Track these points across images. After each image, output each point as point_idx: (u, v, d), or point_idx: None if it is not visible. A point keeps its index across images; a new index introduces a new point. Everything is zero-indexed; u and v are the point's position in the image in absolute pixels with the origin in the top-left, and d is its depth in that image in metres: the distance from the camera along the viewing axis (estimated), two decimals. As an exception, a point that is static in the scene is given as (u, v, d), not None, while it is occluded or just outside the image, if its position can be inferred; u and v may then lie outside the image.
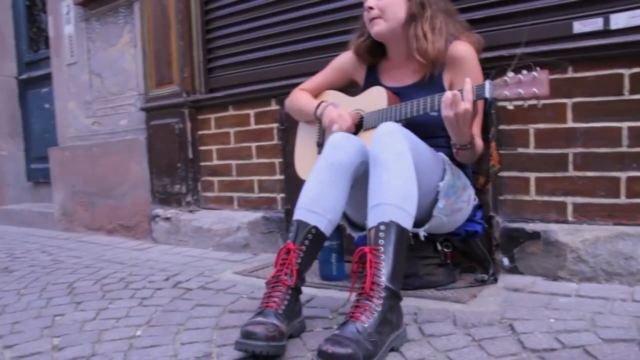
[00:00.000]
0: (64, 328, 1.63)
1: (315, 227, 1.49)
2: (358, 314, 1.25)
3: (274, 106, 2.63)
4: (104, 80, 3.52)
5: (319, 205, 1.50)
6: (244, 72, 2.80)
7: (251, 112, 2.73)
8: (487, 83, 1.48)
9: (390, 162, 1.43)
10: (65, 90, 3.84)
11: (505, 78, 1.44)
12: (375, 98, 1.82)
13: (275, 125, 2.63)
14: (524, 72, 1.42)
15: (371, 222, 1.39)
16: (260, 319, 1.31)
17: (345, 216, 1.83)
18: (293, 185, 2.44)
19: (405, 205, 1.40)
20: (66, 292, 2.05)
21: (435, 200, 1.65)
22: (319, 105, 1.94)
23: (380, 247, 1.33)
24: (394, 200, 1.39)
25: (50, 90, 4.12)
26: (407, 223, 1.39)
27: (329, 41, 2.43)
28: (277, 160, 2.64)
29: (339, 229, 1.94)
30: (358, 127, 1.85)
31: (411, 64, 1.81)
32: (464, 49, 1.74)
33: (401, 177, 1.42)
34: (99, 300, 1.92)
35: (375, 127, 1.59)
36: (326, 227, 1.51)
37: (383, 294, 1.28)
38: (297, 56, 2.57)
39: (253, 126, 2.74)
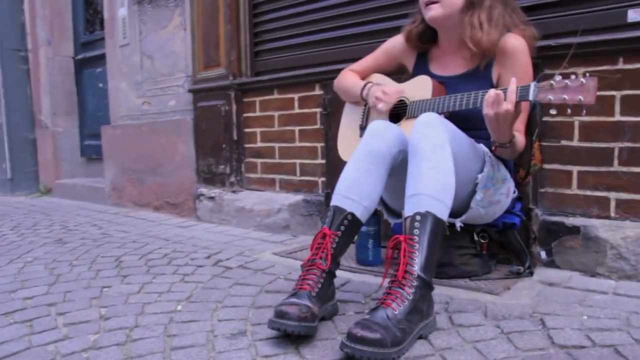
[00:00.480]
0: (110, 299, 1.73)
1: (352, 214, 1.51)
2: (389, 301, 1.27)
3: (318, 91, 2.65)
4: (154, 62, 3.62)
5: (355, 192, 1.53)
6: (289, 56, 2.83)
7: (295, 96, 2.77)
8: (532, 85, 1.44)
9: (429, 153, 1.43)
10: (117, 70, 3.97)
11: (552, 82, 1.40)
12: (420, 87, 1.81)
13: (318, 110, 2.66)
14: (572, 77, 1.37)
15: (407, 211, 1.41)
16: (293, 300, 1.36)
17: (382, 202, 1.85)
18: (334, 169, 2.47)
19: (442, 197, 1.40)
20: (114, 265, 2.16)
21: (474, 192, 1.65)
22: (364, 86, 1.95)
23: (415, 237, 1.35)
24: (431, 191, 1.39)
25: (104, 70, 4.27)
26: (443, 214, 1.40)
27: (375, 27, 2.43)
28: (319, 145, 2.68)
29: (376, 215, 1.97)
30: (400, 115, 1.86)
31: (461, 53, 1.78)
32: (516, 44, 1.68)
33: (439, 168, 1.42)
34: (144, 275, 2.01)
35: (416, 116, 1.60)
36: (362, 214, 1.53)
37: (415, 283, 1.30)
38: (343, 42, 2.58)
39: (297, 110, 2.77)
